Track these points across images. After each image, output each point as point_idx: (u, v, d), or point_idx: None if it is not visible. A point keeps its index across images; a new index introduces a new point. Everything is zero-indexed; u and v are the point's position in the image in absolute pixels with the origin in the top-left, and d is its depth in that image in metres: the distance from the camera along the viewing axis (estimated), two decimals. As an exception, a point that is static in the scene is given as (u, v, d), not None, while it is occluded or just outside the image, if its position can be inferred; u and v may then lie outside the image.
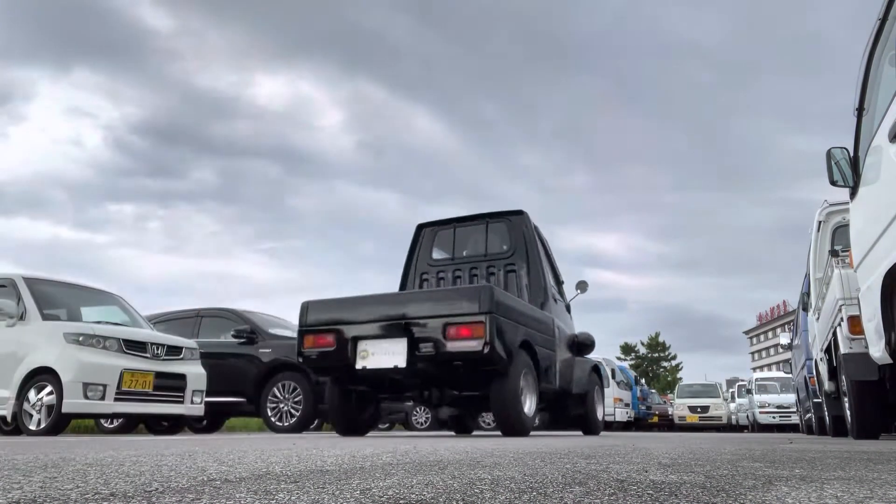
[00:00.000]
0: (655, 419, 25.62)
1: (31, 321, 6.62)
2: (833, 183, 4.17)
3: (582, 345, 7.55)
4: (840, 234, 7.07)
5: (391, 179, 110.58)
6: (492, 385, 5.54)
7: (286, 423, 7.89)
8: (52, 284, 7.32)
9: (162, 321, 9.00)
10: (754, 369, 70.11)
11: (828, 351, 6.84)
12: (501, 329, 5.33)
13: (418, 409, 11.73)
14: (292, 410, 7.93)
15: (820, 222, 7.42)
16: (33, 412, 6.34)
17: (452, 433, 8.61)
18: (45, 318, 6.69)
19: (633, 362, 51.06)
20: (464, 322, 5.27)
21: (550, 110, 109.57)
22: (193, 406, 7.23)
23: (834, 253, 6.19)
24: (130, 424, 9.03)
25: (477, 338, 5.19)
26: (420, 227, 7.54)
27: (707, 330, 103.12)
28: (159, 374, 6.84)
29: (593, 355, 8.18)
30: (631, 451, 3.14)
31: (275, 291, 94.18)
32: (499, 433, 6.25)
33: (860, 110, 4.04)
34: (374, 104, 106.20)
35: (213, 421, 9.50)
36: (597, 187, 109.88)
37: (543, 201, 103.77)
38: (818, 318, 7.63)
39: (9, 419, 6.40)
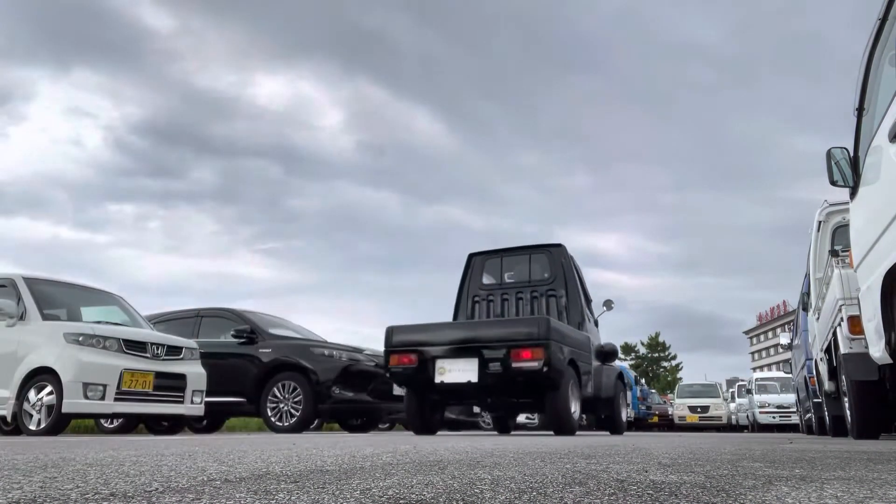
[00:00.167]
0: (655, 419, 25.61)
1: (31, 321, 6.62)
2: (833, 183, 4.16)
3: (608, 354, 8.39)
4: (840, 234, 7.07)
5: (391, 179, 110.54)
6: (546, 396, 6.70)
7: (286, 423, 7.89)
8: (52, 284, 7.32)
9: (162, 321, 9.00)
10: (754, 369, 70.13)
11: (828, 351, 6.84)
12: (555, 351, 6.44)
13: None
14: (292, 410, 7.93)
15: (820, 222, 7.42)
16: (33, 412, 6.33)
17: (450, 433, 9.17)
18: (45, 318, 6.69)
19: (633, 362, 51.07)
20: (526, 346, 6.39)
21: (550, 110, 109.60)
22: (193, 406, 7.22)
23: (834, 253, 6.19)
24: (130, 424, 9.02)
25: (537, 359, 6.30)
26: (471, 256, 8.64)
27: (707, 330, 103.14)
28: (159, 374, 6.84)
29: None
30: (631, 451, 3.14)
31: (275, 291, 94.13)
32: (494, 433, 7.62)
33: (860, 110, 4.04)
34: (375, 104, 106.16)
35: (213, 421, 9.50)
36: (597, 187, 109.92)
37: (543, 201, 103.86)
38: (818, 318, 7.63)
39: (9, 419, 6.40)
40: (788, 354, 15.02)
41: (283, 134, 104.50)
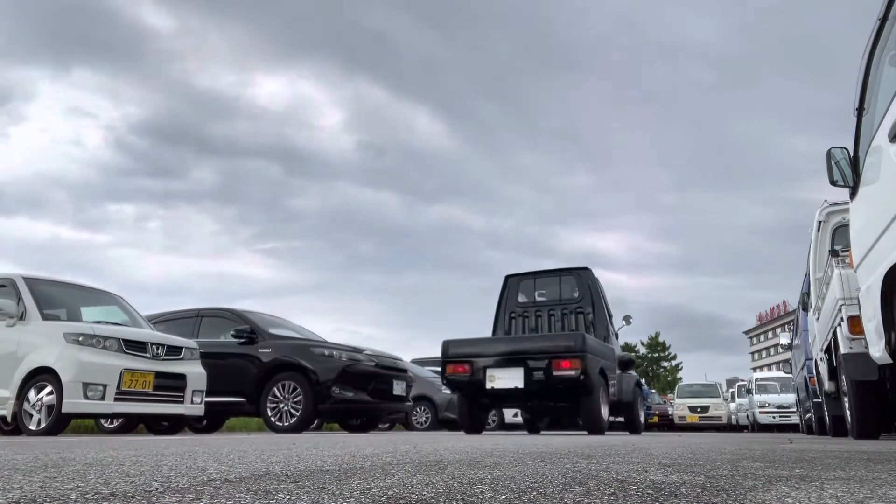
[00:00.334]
0: (655, 419, 25.57)
1: (31, 321, 6.61)
2: (833, 183, 4.16)
3: (627, 363, 9.49)
4: (840, 234, 7.07)
5: (391, 179, 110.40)
6: (581, 400, 7.73)
7: (286, 423, 7.89)
8: (52, 284, 7.32)
9: (162, 321, 8.99)
10: (754, 369, 70.11)
11: (828, 351, 6.84)
12: (590, 363, 7.46)
13: (418, 410, 12.28)
14: (292, 410, 7.93)
15: (820, 222, 7.42)
16: (33, 412, 6.33)
17: (452, 433, 9.32)
18: (45, 318, 6.69)
19: (632, 362, 50.90)
20: (565, 357, 7.40)
21: (550, 110, 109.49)
22: (193, 406, 7.22)
23: (834, 253, 6.18)
24: (130, 424, 9.02)
25: (575, 369, 7.32)
26: (508, 278, 9.79)
27: (707, 330, 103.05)
28: (159, 374, 6.83)
29: None
30: (631, 451, 3.14)
31: (275, 291, 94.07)
32: (494, 432, 8.13)
33: (860, 110, 4.04)
34: (375, 104, 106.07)
35: (213, 421, 9.49)
36: (597, 187, 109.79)
37: (543, 201, 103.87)
38: (818, 318, 7.63)
39: (9, 419, 6.40)
40: (788, 354, 15.01)
41: (283, 134, 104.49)
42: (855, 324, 5.03)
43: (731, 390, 28.88)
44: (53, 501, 1.14)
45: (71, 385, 6.16)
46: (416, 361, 14.46)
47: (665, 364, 53.96)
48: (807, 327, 9.37)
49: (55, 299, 7.16)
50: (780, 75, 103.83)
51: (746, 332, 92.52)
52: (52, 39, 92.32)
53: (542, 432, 10.67)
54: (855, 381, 5.46)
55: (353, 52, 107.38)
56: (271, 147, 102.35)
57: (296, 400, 7.92)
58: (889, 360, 3.74)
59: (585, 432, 8.36)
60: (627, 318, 10.27)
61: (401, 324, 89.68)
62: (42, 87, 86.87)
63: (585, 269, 9.53)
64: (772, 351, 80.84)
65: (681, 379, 45.42)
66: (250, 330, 8.43)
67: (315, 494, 1.29)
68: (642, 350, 54.02)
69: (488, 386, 7.71)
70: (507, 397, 8.11)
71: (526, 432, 10.69)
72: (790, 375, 17.94)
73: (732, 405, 25.91)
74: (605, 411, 8.01)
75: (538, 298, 9.63)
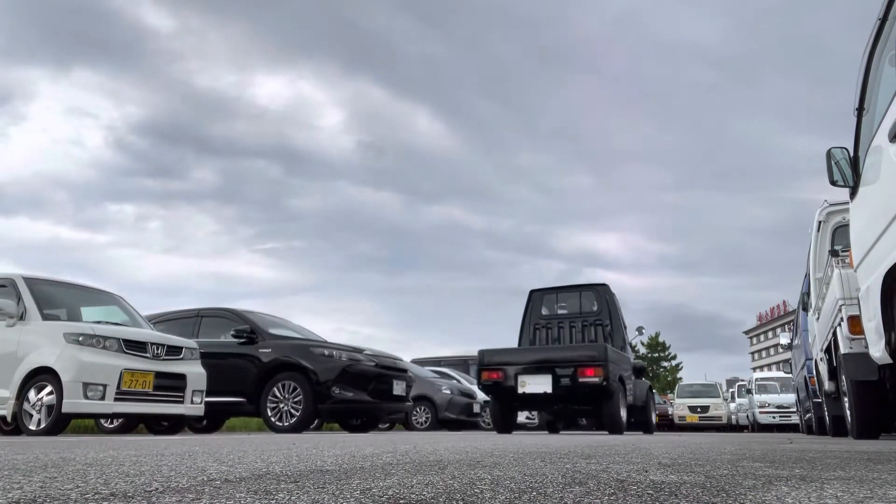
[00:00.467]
0: (655, 419, 25.57)
1: (31, 321, 6.61)
2: (833, 183, 4.16)
3: (640, 370, 10.53)
4: (840, 234, 7.06)
5: (391, 179, 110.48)
6: (603, 404, 8.52)
7: (286, 423, 7.88)
8: (52, 284, 7.32)
9: (162, 321, 8.99)
10: (754, 369, 70.10)
11: (828, 351, 6.83)
12: (611, 370, 8.26)
13: (418, 410, 12.32)
14: (292, 410, 7.92)
15: (820, 222, 7.42)
16: (33, 412, 6.33)
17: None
18: (45, 318, 6.68)
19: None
20: (590, 365, 8.22)
21: (550, 110, 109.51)
22: (193, 406, 7.22)
23: (834, 253, 6.18)
24: (130, 424, 9.02)
25: (598, 376, 8.14)
26: (532, 292, 10.68)
27: (707, 330, 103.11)
28: (159, 374, 6.83)
29: None
30: (631, 451, 3.14)
31: (275, 291, 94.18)
32: (494, 432, 9.27)
33: (860, 110, 4.04)
34: (375, 104, 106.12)
35: (213, 421, 9.49)
36: (597, 187, 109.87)
37: (543, 201, 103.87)
38: (818, 318, 7.63)
39: (9, 419, 6.40)
40: (788, 354, 15.02)
41: (283, 134, 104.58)
42: (855, 324, 5.03)
43: (731, 390, 28.86)
44: (53, 501, 1.14)
45: (71, 385, 6.15)
46: (416, 361, 14.48)
47: (665, 364, 53.95)
48: (807, 327, 9.37)
49: (55, 299, 7.16)
50: (780, 75, 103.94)
51: (746, 332, 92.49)
52: (52, 39, 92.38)
53: (560, 432, 10.94)
54: (855, 381, 5.45)
55: (353, 52, 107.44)
56: (271, 147, 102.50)
57: (296, 400, 7.92)
58: (889, 360, 3.74)
59: (598, 432, 9.00)
60: (640, 329, 11.33)
61: (401, 324, 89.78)
62: (42, 87, 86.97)
63: (603, 284, 10.46)
64: (772, 351, 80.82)
65: (681, 379, 45.39)
66: (250, 330, 8.42)
67: (315, 494, 1.29)
68: (642, 350, 54.03)
69: (520, 391, 8.53)
70: (536, 401, 8.93)
71: (534, 432, 11.06)
72: (790, 375, 17.95)
73: (732, 405, 25.90)
74: (623, 414, 8.82)
75: (559, 311, 10.53)
